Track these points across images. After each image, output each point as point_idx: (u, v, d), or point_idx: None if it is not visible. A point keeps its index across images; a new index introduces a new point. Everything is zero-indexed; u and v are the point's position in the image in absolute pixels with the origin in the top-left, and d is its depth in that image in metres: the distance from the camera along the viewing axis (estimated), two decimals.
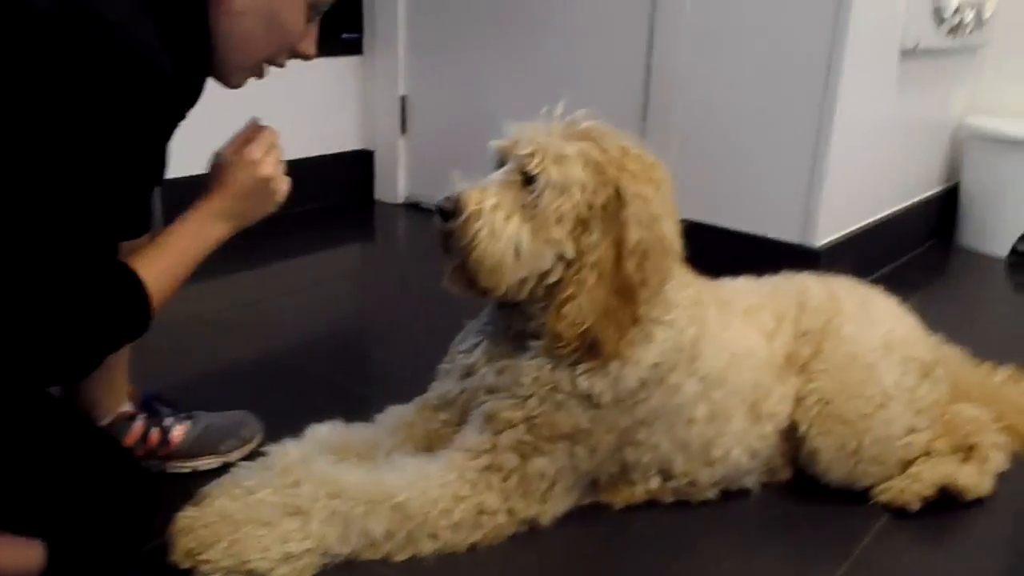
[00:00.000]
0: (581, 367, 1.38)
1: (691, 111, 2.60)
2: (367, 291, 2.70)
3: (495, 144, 1.41)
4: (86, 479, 1.25)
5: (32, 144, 1.01)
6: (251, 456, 1.56)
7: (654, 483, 1.51)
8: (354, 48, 3.28)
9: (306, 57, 1.31)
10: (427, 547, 1.35)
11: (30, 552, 1.19)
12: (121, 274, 1.15)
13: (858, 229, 2.68)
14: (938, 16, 2.68)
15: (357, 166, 3.37)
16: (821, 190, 2.44)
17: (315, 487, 1.32)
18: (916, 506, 1.55)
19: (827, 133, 2.39)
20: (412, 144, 3.29)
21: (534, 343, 1.42)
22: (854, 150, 2.51)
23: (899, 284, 2.66)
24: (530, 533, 1.44)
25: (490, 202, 1.32)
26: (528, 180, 1.34)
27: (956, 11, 2.75)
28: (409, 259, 2.95)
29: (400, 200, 3.35)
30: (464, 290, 1.40)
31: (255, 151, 1.28)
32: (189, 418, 1.60)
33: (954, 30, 2.79)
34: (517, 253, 1.32)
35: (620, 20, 2.68)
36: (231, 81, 1.30)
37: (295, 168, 3.11)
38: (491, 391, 1.44)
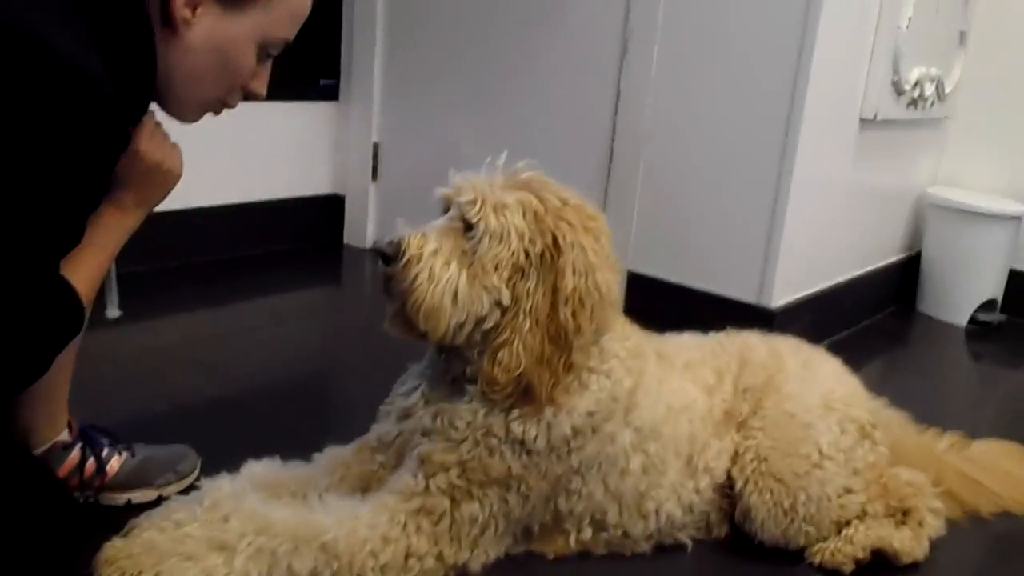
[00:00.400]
0: (515, 413, 1.39)
1: (653, 169, 2.65)
2: (327, 333, 2.71)
3: (440, 192, 1.44)
4: (12, 507, 1.24)
5: None
6: (187, 491, 1.55)
7: (587, 533, 1.51)
8: (331, 94, 3.32)
9: (256, 96, 1.34)
10: None
11: None
12: (57, 286, 1.17)
13: (815, 292, 2.71)
14: (897, 88, 2.75)
15: (328, 210, 3.39)
16: (778, 252, 2.47)
17: (243, 523, 1.31)
18: (849, 568, 1.55)
19: (784, 196, 2.43)
20: (382, 190, 3.33)
21: (471, 387, 1.42)
22: (811, 214, 2.55)
23: (857, 349, 2.70)
24: None
25: (430, 247, 1.34)
26: (469, 227, 1.37)
27: (916, 84, 2.83)
28: (373, 303, 2.95)
29: (368, 245, 3.37)
30: (404, 332, 1.42)
31: (139, 142, 1.28)
32: (127, 449, 1.59)
33: (914, 103, 2.86)
34: (455, 298, 1.34)
35: (589, 80, 2.74)
36: (184, 116, 1.32)
37: (267, 210, 3.17)
38: (426, 434, 1.44)
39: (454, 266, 1.35)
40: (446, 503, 1.39)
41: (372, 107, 3.25)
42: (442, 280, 1.34)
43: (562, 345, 1.37)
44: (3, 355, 1.10)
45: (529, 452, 1.40)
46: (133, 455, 1.59)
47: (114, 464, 1.56)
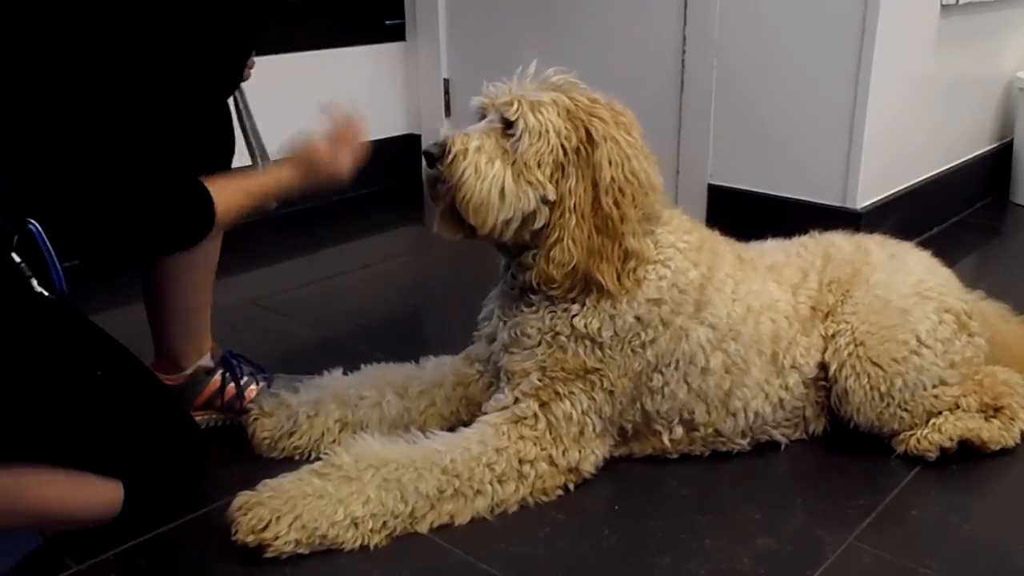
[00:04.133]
0: (575, 308, 1.45)
1: (727, 78, 2.61)
2: (416, 271, 2.77)
3: (476, 100, 1.48)
4: (154, 432, 1.38)
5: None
6: None
7: (678, 433, 1.55)
8: (397, 34, 3.35)
9: None
10: (479, 504, 1.41)
11: (114, 490, 1.33)
12: (194, 184, 1.32)
13: (902, 190, 2.65)
14: None
15: (405, 150, 3.44)
16: (860, 152, 2.42)
17: (361, 459, 1.37)
18: (934, 456, 1.56)
19: (863, 93, 2.37)
20: (457, 125, 3.33)
21: (535, 297, 1.49)
22: (893, 109, 2.48)
23: (950, 245, 2.64)
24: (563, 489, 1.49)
25: (474, 144, 1.39)
26: (508, 127, 1.41)
27: None
28: (460, 240, 3.00)
29: None
30: (453, 232, 1.48)
31: (343, 155, 1.46)
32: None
33: None
34: (502, 193, 1.39)
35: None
36: None
37: None
38: (506, 348, 1.52)
39: (498, 163, 1.40)
40: (535, 405, 1.46)
41: (439, 43, 3.26)
42: (488, 175, 1.39)
43: (611, 233, 1.41)
44: (144, 229, 1.29)
45: (600, 346, 1.45)
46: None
47: (252, 391, 1.68)
